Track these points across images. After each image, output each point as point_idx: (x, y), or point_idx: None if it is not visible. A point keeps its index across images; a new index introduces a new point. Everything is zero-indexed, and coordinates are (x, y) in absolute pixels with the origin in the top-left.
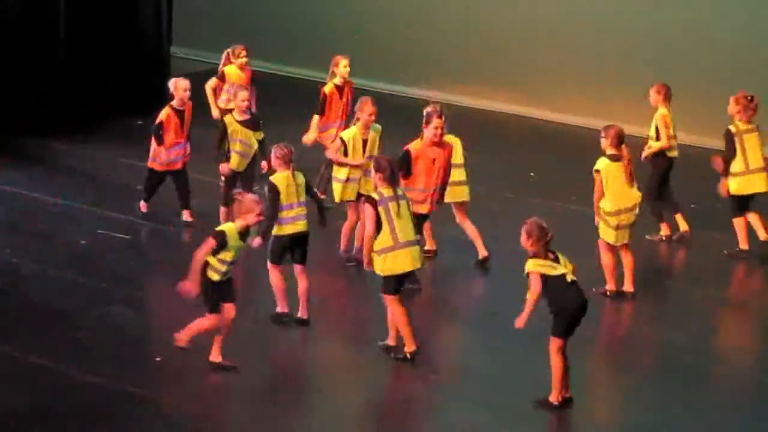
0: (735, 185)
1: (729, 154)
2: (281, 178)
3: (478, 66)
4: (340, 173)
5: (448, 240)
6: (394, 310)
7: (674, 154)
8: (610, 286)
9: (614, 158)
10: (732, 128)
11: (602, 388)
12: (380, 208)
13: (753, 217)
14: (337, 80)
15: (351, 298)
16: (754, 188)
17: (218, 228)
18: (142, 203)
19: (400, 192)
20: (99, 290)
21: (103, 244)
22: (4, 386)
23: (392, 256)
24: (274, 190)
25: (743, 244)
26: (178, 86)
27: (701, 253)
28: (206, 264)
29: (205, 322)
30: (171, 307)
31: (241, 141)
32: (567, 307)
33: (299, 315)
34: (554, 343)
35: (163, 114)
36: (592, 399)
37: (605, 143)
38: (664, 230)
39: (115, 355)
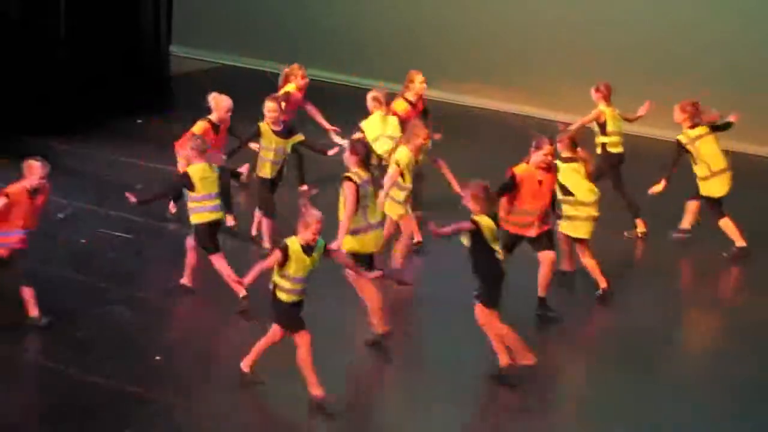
0: (705, 189)
1: (672, 164)
2: (197, 169)
3: (477, 65)
4: (398, 195)
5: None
6: (368, 290)
7: (619, 150)
8: (603, 285)
9: (568, 160)
10: (682, 138)
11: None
12: (360, 191)
13: (694, 206)
14: (410, 95)
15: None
16: (721, 191)
17: (285, 240)
18: (171, 204)
19: (373, 175)
20: (99, 289)
21: (104, 243)
22: (4, 386)
23: (361, 238)
24: (188, 180)
25: (739, 242)
26: (220, 106)
27: (704, 254)
28: (275, 286)
29: (302, 345)
30: (171, 306)
31: (276, 150)
32: (491, 273)
33: (185, 282)
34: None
35: (199, 127)
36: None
37: (560, 147)
38: (641, 227)
39: (115, 355)
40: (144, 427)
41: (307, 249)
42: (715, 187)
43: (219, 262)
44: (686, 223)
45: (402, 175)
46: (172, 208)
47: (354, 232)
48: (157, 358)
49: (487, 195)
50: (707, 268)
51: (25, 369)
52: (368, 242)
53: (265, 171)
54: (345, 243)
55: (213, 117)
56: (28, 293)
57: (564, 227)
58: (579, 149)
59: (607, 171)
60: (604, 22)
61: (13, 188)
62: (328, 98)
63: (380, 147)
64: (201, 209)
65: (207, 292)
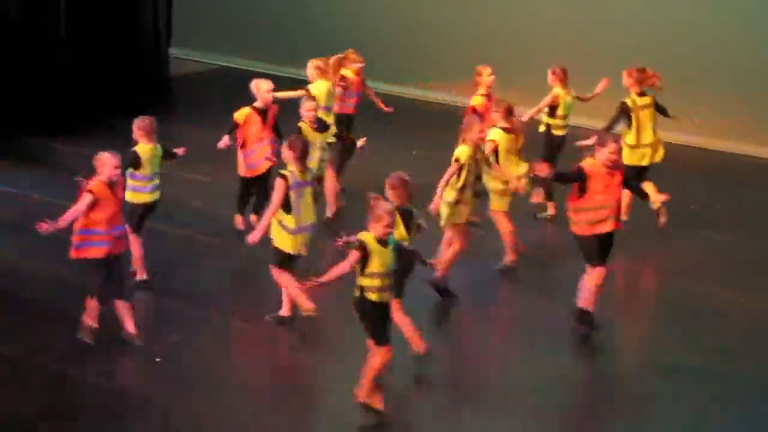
0: (626, 156)
1: (611, 122)
2: (146, 149)
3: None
4: (448, 195)
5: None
6: (281, 279)
7: (560, 132)
8: (511, 257)
9: (506, 130)
10: (628, 102)
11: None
12: (291, 192)
13: (648, 186)
14: (483, 89)
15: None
16: (641, 161)
17: (358, 237)
18: (237, 217)
19: (309, 177)
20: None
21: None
22: (4, 386)
23: (292, 237)
24: (137, 159)
25: (656, 203)
26: (260, 87)
27: (707, 253)
28: (362, 289)
29: (376, 360)
30: (171, 307)
31: (320, 147)
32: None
33: (142, 277)
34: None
35: (240, 115)
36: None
37: (497, 117)
38: (551, 209)
39: (115, 355)
40: (144, 427)
41: (382, 242)
42: (637, 157)
43: (136, 242)
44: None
45: (458, 174)
46: (239, 223)
47: (284, 229)
48: (157, 359)
49: (405, 186)
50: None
51: (25, 369)
52: (294, 244)
53: (314, 168)
54: (273, 236)
55: (257, 103)
56: (123, 308)
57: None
58: (514, 120)
59: (548, 152)
60: (604, 22)
61: (93, 184)
62: None
63: (332, 117)
64: (142, 189)
65: (207, 293)
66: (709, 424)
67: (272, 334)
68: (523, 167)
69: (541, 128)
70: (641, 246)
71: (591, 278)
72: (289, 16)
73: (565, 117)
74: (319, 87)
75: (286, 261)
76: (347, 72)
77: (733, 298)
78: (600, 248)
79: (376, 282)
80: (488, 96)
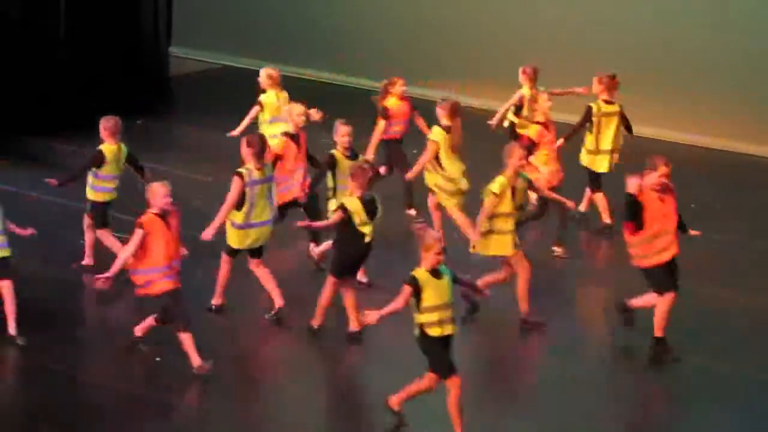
0: (586, 160)
1: (577, 125)
2: (112, 149)
3: (477, 65)
4: (505, 225)
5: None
6: (224, 268)
7: (523, 131)
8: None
9: (448, 129)
10: (594, 107)
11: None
12: (247, 189)
13: (600, 199)
14: (540, 117)
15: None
16: (598, 168)
17: (410, 274)
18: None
19: (267, 173)
20: (99, 290)
21: (104, 243)
22: (4, 386)
23: (237, 232)
24: (101, 158)
25: (606, 219)
26: (293, 111)
27: (707, 253)
28: (420, 326)
29: (426, 384)
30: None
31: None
32: (351, 252)
33: (86, 262)
34: (330, 280)
35: (279, 146)
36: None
37: (440, 112)
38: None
39: (115, 355)
40: (144, 427)
41: (436, 274)
42: (596, 163)
43: (108, 238)
44: (585, 206)
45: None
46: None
47: (234, 225)
48: (157, 358)
49: (364, 176)
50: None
51: (25, 370)
52: (247, 239)
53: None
54: (228, 231)
55: (289, 128)
56: (187, 340)
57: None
58: (458, 119)
59: None
60: (604, 22)
61: (144, 218)
62: (326, 99)
63: (276, 129)
64: (101, 189)
65: (207, 293)
66: (709, 424)
67: (273, 333)
68: (462, 165)
69: (506, 123)
70: None
71: (662, 304)
72: (289, 15)
73: (527, 118)
74: (269, 97)
75: (234, 252)
76: (391, 101)
77: (734, 298)
78: (667, 275)
79: (434, 317)
80: (545, 125)
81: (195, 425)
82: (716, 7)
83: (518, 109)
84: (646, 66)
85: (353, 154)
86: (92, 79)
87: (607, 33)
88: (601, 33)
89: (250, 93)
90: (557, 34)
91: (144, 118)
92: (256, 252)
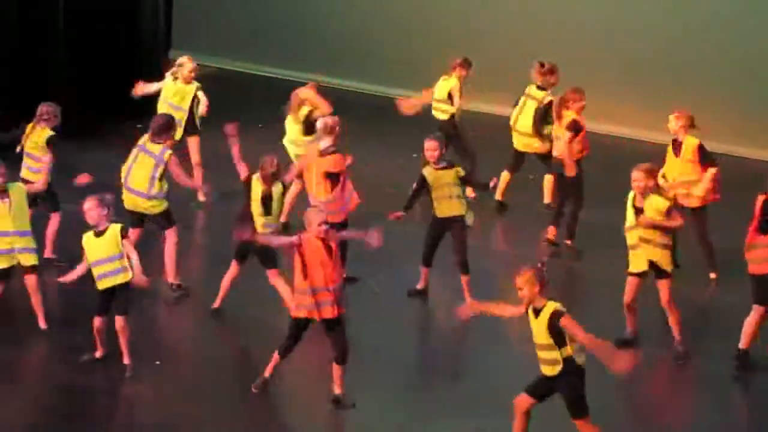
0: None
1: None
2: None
3: (477, 67)
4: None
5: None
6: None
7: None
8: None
9: None
10: (569, 116)
11: None
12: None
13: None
14: (574, 116)
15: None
16: (555, 152)
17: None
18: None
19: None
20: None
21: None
22: (4, 387)
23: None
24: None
25: (547, 200)
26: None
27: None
28: (573, 361)
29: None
30: (171, 309)
31: (448, 185)
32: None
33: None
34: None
35: (338, 162)
36: None
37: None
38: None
39: (115, 358)
40: (144, 427)
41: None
42: (556, 148)
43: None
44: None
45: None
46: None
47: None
48: (157, 363)
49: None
50: None
51: (25, 371)
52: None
53: (442, 210)
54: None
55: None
56: (337, 371)
57: None
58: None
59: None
60: (605, 22)
61: (303, 238)
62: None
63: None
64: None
65: (207, 294)
66: (709, 424)
67: (275, 333)
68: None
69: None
70: None
71: (755, 316)
72: (288, 19)
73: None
74: (167, 85)
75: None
76: (570, 114)
77: (734, 298)
78: None
79: (581, 349)
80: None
81: (195, 426)
82: (718, 9)
83: (452, 100)
84: (647, 67)
85: (447, 166)
86: (92, 81)
87: (607, 33)
88: (602, 34)
89: (250, 97)
90: (557, 35)
91: (143, 123)
92: (268, 262)
